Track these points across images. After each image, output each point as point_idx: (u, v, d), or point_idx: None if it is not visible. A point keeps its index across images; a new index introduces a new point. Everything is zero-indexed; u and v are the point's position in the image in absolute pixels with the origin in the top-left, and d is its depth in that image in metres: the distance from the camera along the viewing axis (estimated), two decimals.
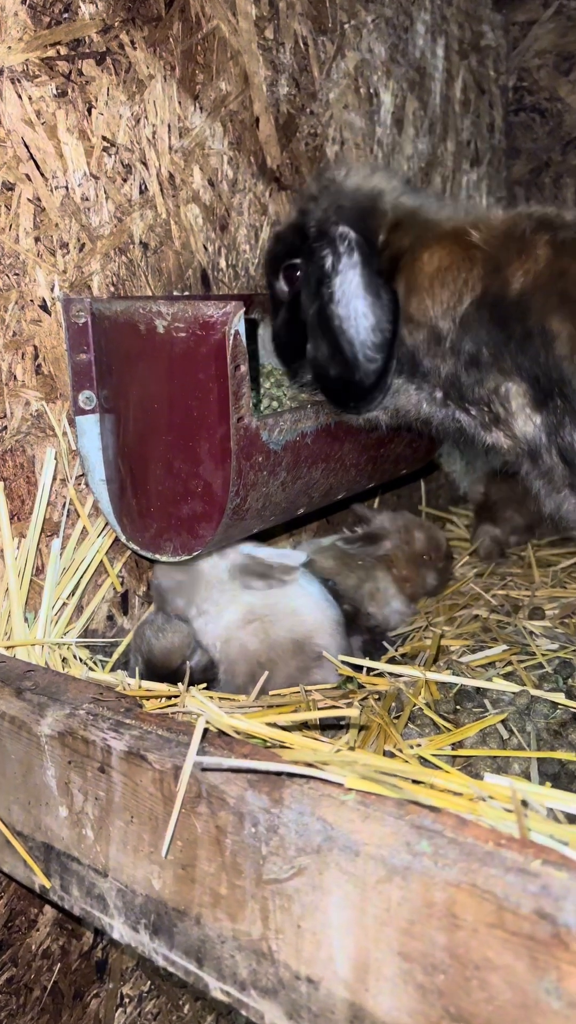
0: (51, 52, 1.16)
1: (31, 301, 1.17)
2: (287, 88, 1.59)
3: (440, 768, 0.91)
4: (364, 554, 1.54)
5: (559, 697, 1.11)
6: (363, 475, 1.41)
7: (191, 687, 1.00)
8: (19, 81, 1.12)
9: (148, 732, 0.83)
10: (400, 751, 0.97)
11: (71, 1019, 1.34)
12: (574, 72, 2.21)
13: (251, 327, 1.31)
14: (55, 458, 1.21)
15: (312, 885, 0.67)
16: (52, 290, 1.19)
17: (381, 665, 1.21)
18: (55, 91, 1.17)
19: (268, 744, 0.84)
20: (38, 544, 1.20)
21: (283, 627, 1.24)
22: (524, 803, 0.71)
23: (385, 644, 1.42)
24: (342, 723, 1.08)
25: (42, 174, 1.17)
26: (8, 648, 1.13)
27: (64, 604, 1.23)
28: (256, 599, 1.26)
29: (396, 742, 1.00)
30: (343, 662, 1.20)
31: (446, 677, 1.16)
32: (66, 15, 1.17)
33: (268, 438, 1.12)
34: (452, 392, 1.14)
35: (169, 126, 1.35)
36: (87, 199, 1.23)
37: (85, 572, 1.26)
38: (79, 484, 1.26)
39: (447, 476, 2.18)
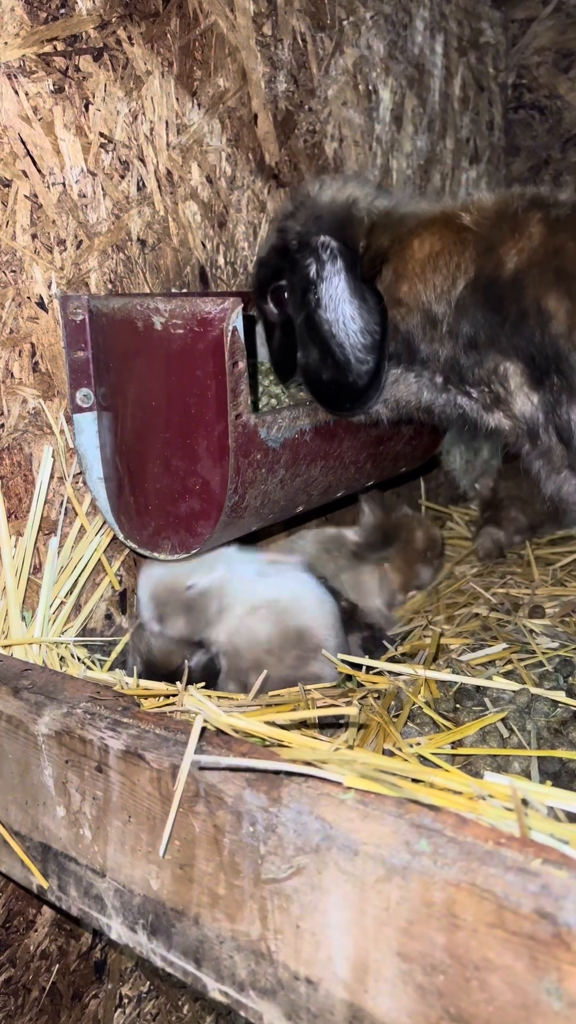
0: (48, 48, 1.15)
1: (28, 298, 1.17)
2: (285, 85, 1.59)
3: (440, 767, 0.90)
4: (375, 555, 1.55)
5: (559, 695, 1.11)
6: (362, 473, 1.40)
7: (189, 686, 1.00)
8: (16, 77, 1.12)
9: (146, 731, 0.83)
10: (399, 750, 0.96)
11: (70, 1020, 1.34)
12: (573, 69, 2.21)
13: (249, 324, 1.30)
14: (52, 456, 1.21)
15: (311, 885, 0.67)
16: (49, 287, 1.19)
17: (380, 663, 1.21)
18: (52, 87, 1.16)
19: (266, 743, 0.83)
20: (35, 542, 1.19)
21: (287, 615, 1.23)
22: (524, 802, 0.71)
23: (385, 643, 1.41)
24: (341, 722, 1.07)
25: (39, 171, 1.16)
26: (5, 647, 1.13)
27: (62, 603, 1.23)
28: (262, 586, 1.25)
29: (395, 741, 0.99)
30: (343, 660, 1.19)
31: (446, 675, 1.16)
32: (63, 10, 1.17)
33: (266, 435, 1.11)
34: (452, 375, 1.14)
35: (167, 123, 1.35)
36: (84, 196, 1.22)
37: (83, 570, 1.26)
38: (77, 482, 1.26)
39: (447, 474, 2.18)
